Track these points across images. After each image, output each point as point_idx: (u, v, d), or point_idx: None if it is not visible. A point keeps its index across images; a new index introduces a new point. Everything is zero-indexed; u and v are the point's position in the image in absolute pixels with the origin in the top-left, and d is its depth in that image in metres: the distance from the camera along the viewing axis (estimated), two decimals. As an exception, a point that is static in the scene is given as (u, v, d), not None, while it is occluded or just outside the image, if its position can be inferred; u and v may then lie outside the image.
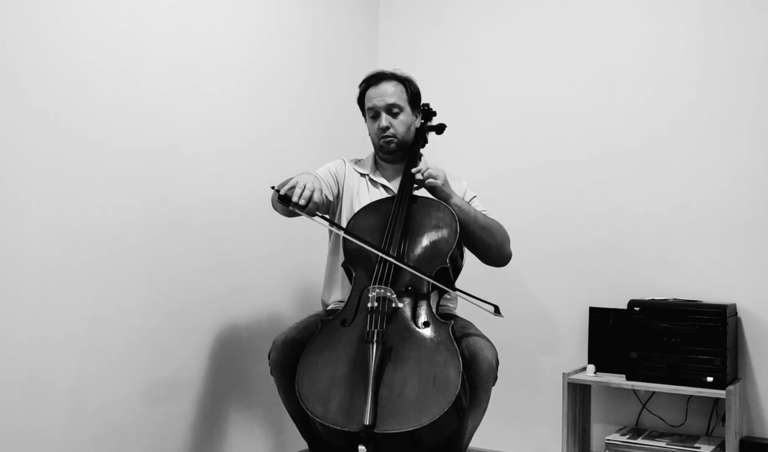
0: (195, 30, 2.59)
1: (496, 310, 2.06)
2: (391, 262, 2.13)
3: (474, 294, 2.10)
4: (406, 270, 2.13)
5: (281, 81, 2.99)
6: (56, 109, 2.13)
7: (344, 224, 2.38)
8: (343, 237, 2.25)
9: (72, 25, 2.18)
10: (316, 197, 2.10)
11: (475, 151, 3.36)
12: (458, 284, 2.42)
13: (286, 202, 2.07)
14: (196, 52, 2.60)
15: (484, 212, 2.45)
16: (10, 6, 2.02)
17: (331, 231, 2.51)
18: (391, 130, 2.43)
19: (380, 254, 2.13)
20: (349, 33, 3.43)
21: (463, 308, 2.53)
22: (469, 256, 2.41)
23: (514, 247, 2.47)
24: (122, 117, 2.33)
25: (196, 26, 2.60)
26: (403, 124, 2.44)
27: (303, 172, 2.23)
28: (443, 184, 2.29)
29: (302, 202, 2.06)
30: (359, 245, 2.16)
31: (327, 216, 2.14)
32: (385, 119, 2.42)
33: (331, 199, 2.45)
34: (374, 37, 3.61)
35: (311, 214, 2.12)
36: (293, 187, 2.08)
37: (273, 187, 2.12)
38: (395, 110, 2.43)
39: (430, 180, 2.27)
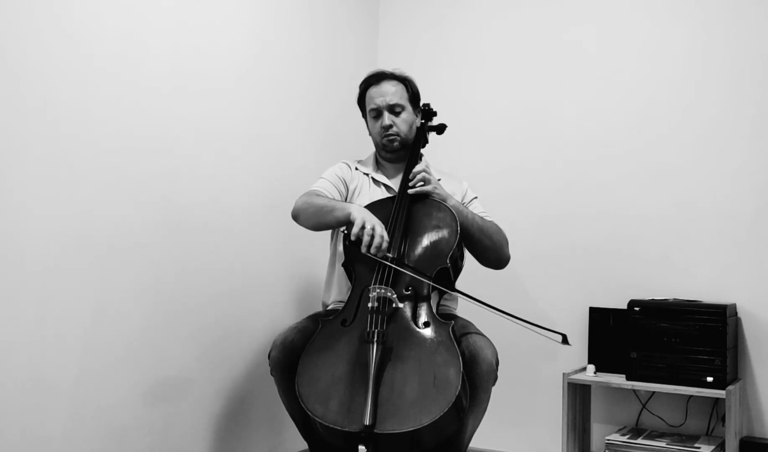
0: (195, 30, 2.59)
1: (564, 340, 2.03)
2: (392, 261, 2.13)
3: (538, 324, 2.05)
4: (406, 273, 2.12)
5: (281, 81, 2.99)
6: (56, 109, 2.13)
7: None
8: (343, 242, 2.25)
9: (71, 25, 2.17)
10: (385, 245, 2.10)
11: (476, 151, 3.36)
12: (458, 284, 2.42)
13: (357, 246, 2.07)
14: (196, 51, 2.59)
15: (484, 213, 2.45)
16: (10, 6, 2.02)
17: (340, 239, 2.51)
18: (394, 129, 2.44)
19: (379, 259, 2.13)
20: (349, 33, 3.43)
21: (463, 308, 2.53)
22: (470, 257, 2.41)
23: (514, 247, 2.47)
24: (122, 117, 2.33)
25: (196, 26, 2.60)
26: (405, 122, 2.46)
27: (358, 207, 2.21)
28: (434, 189, 2.30)
29: (377, 253, 2.07)
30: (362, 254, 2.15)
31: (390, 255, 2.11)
32: (387, 118, 2.43)
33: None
34: (374, 37, 3.61)
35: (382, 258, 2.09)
36: (363, 229, 2.07)
37: (343, 231, 2.09)
38: (397, 109, 2.44)
39: (423, 188, 2.28)
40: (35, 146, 2.08)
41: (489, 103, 3.37)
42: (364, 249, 2.07)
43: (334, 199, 2.39)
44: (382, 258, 2.08)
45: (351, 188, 2.50)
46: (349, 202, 2.41)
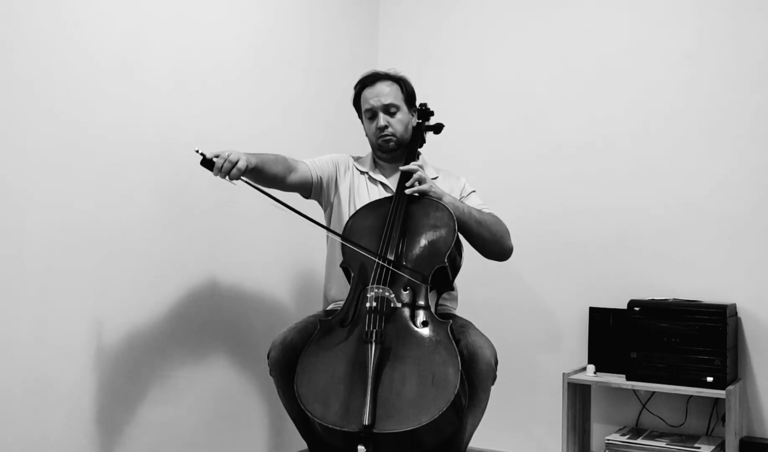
0: (195, 28, 2.60)
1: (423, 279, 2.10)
2: (388, 263, 2.13)
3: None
4: (401, 274, 2.12)
5: (280, 80, 3.00)
6: (57, 106, 2.14)
7: (341, 221, 2.40)
8: (341, 242, 2.25)
9: (72, 21, 2.18)
10: (241, 164, 2.07)
11: (474, 150, 3.36)
12: (458, 282, 2.42)
13: (208, 168, 2.06)
14: (196, 49, 2.60)
15: (482, 206, 2.45)
16: (10, 5, 2.02)
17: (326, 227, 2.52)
18: (390, 129, 2.44)
19: (376, 260, 2.13)
20: (348, 33, 3.44)
21: (462, 308, 2.53)
22: (469, 256, 2.41)
23: (513, 247, 2.46)
24: (122, 114, 2.33)
25: (196, 24, 2.60)
26: (400, 122, 2.46)
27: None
28: (430, 188, 2.30)
29: (224, 177, 2.06)
30: (355, 248, 2.15)
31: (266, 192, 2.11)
32: (382, 119, 2.43)
33: (323, 184, 2.48)
34: (374, 37, 3.62)
35: (232, 179, 2.09)
36: (218, 155, 2.06)
37: (197, 151, 2.06)
38: (392, 109, 2.44)
39: (420, 188, 2.28)
40: (36, 144, 2.08)
41: (487, 101, 3.37)
42: (214, 172, 2.06)
43: (312, 166, 2.44)
44: (234, 182, 2.07)
45: (341, 175, 2.51)
46: (319, 185, 2.46)
